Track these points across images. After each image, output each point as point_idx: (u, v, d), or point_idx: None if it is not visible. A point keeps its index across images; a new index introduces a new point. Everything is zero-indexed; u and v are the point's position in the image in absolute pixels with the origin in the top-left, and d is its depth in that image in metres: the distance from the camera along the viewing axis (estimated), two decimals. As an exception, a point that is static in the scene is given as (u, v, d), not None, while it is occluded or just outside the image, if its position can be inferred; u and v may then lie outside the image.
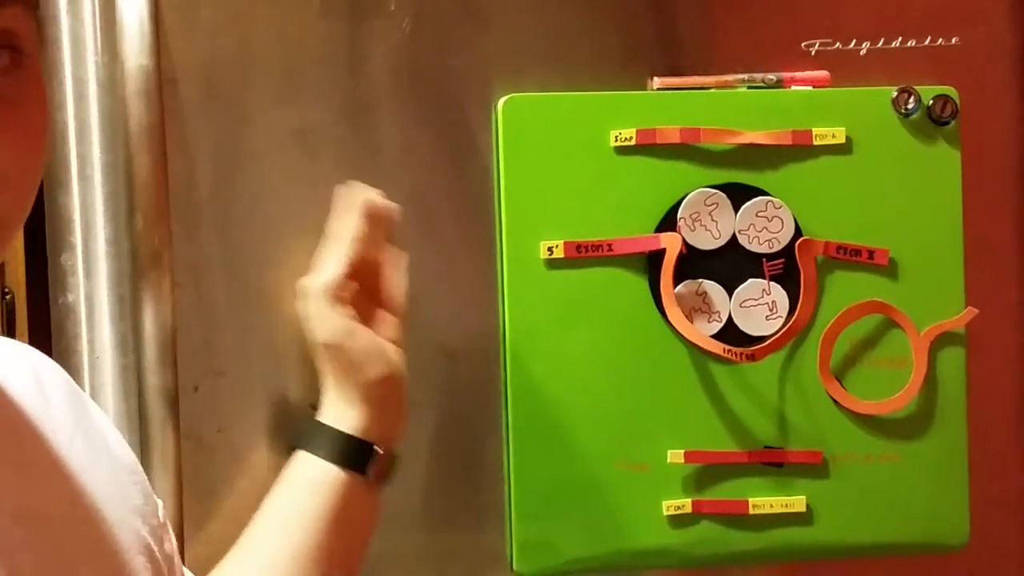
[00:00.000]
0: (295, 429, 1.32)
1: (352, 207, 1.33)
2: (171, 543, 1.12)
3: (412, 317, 1.38)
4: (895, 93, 1.46)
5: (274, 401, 1.37)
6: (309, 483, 1.29)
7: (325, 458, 1.29)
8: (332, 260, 1.31)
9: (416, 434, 1.37)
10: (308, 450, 1.30)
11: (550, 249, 1.41)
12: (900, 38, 1.48)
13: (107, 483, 1.04)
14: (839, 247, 1.45)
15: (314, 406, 1.32)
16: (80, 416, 1.07)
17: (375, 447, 1.30)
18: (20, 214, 0.91)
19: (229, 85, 1.36)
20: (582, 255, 1.42)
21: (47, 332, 1.38)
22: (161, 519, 1.11)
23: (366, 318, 1.32)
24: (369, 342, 1.30)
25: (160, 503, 1.12)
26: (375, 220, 1.33)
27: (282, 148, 1.37)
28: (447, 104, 1.41)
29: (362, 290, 1.33)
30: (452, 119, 1.41)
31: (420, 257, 1.39)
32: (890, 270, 1.46)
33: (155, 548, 1.06)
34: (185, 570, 1.19)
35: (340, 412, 1.31)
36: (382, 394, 1.31)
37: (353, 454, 1.29)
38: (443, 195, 1.40)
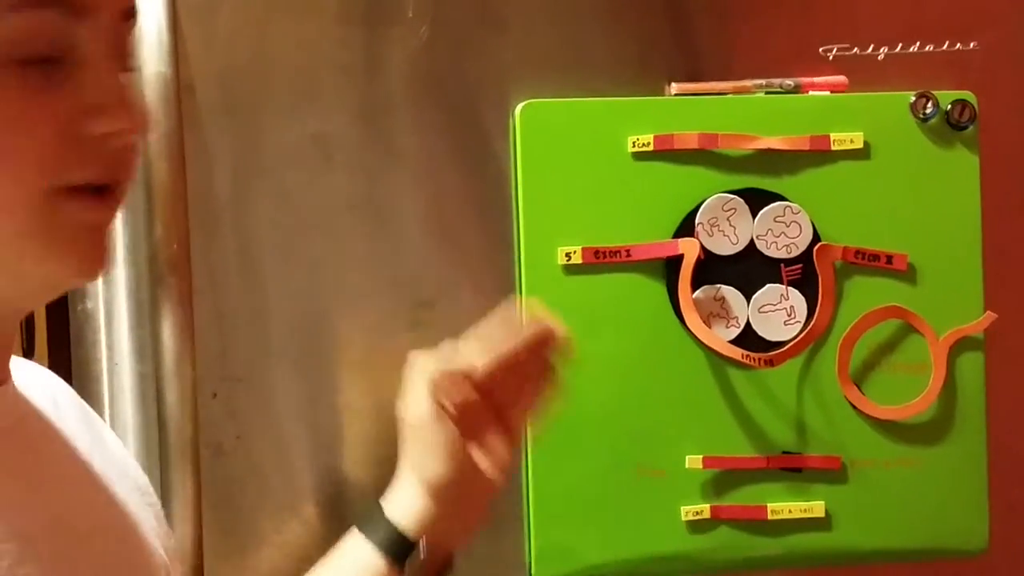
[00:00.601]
0: (358, 507, 1.32)
1: (521, 324, 1.27)
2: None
3: (429, 322, 1.38)
4: (913, 98, 1.46)
5: (292, 407, 1.37)
6: (353, 561, 1.28)
7: (372, 542, 1.27)
8: (461, 357, 1.24)
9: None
10: (360, 530, 1.28)
11: (568, 255, 1.41)
12: (918, 43, 1.48)
13: (127, 502, 1.04)
14: (857, 252, 1.45)
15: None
16: (95, 438, 1.07)
17: (418, 546, 1.27)
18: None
19: (247, 92, 1.36)
20: (600, 261, 1.41)
21: (66, 339, 1.38)
22: (171, 548, 1.11)
23: (475, 423, 1.24)
24: (452, 441, 1.24)
25: (171, 532, 1.12)
26: (539, 344, 1.26)
27: (300, 154, 1.37)
28: (464, 110, 1.41)
29: (487, 396, 1.24)
30: (469, 125, 1.41)
31: (437, 263, 1.40)
32: (908, 275, 1.46)
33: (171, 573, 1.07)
34: None
35: (399, 500, 1.28)
36: (451, 497, 1.26)
37: (394, 546, 1.27)
38: (461, 201, 1.40)
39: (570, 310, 1.41)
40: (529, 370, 1.26)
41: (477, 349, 1.24)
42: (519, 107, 1.40)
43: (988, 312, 1.47)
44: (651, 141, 1.42)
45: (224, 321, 1.36)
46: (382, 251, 1.38)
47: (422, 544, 1.27)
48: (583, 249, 1.41)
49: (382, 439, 1.38)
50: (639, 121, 1.42)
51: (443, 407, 1.23)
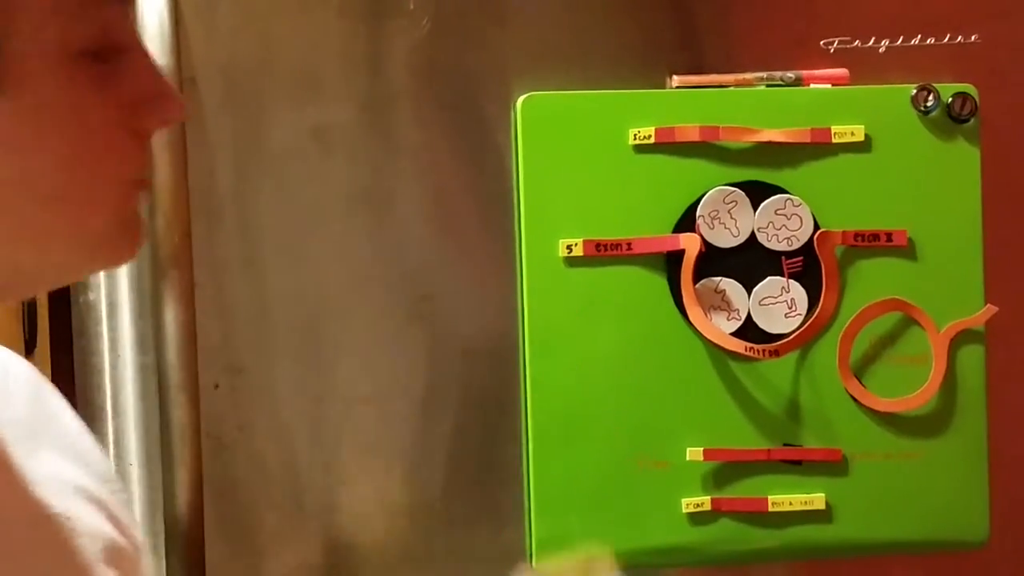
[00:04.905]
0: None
1: None
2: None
3: (431, 316, 1.38)
4: (914, 91, 1.46)
5: (293, 399, 1.38)
6: None
7: None
8: None
9: (436, 432, 1.37)
10: None
11: (569, 247, 1.41)
12: (919, 35, 1.48)
13: (59, 495, 0.98)
14: (856, 235, 1.45)
15: None
16: (43, 426, 1.01)
17: None
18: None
19: (248, 84, 1.37)
20: (601, 253, 1.42)
21: (68, 331, 1.38)
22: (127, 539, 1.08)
23: None
24: None
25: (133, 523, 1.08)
26: None
27: (301, 147, 1.38)
28: (466, 103, 1.41)
29: None
30: (471, 118, 1.41)
31: (439, 256, 1.40)
32: (909, 263, 1.46)
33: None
34: None
35: None
36: None
37: None
38: (462, 194, 1.41)
39: (571, 303, 1.41)
40: None
41: None
42: (520, 100, 1.41)
43: (989, 305, 1.47)
44: (652, 134, 1.42)
45: (226, 313, 1.36)
46: (383, 243, 1.39)
47: None
48: (584, 242, 1.41)
49: (383, 430, 1.39)
50: (640, 114, 1.42)
51: None
